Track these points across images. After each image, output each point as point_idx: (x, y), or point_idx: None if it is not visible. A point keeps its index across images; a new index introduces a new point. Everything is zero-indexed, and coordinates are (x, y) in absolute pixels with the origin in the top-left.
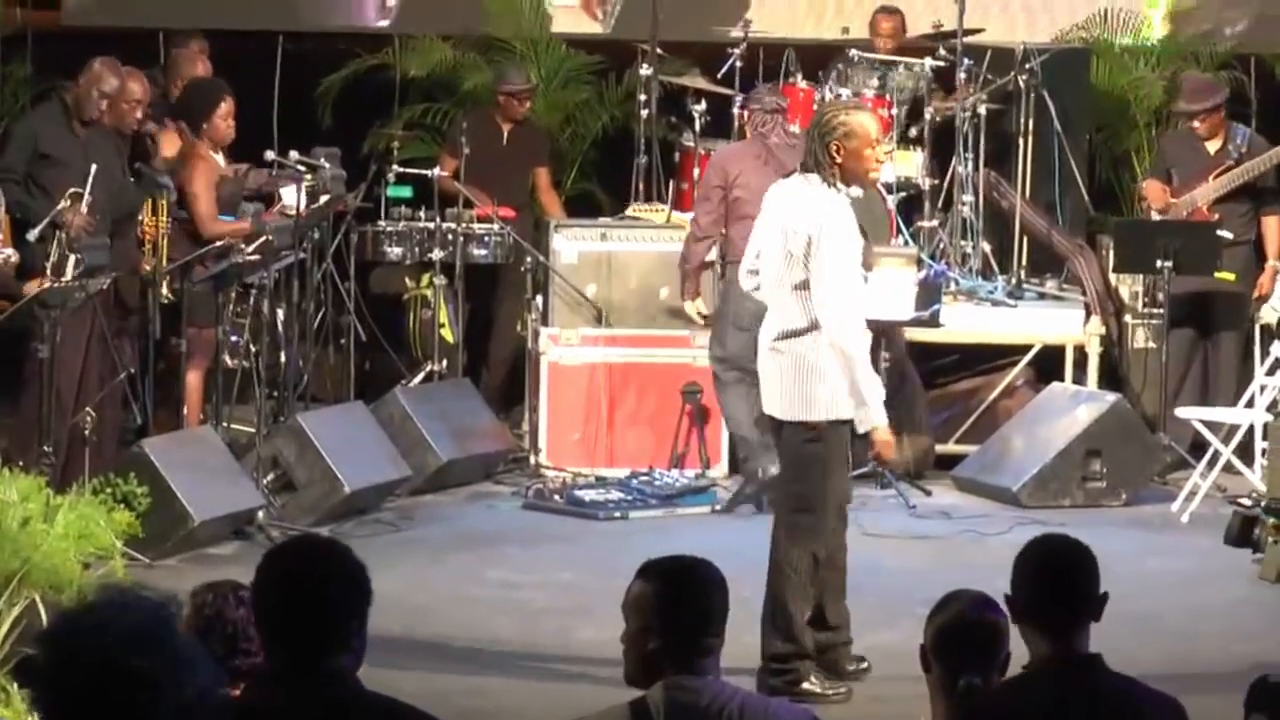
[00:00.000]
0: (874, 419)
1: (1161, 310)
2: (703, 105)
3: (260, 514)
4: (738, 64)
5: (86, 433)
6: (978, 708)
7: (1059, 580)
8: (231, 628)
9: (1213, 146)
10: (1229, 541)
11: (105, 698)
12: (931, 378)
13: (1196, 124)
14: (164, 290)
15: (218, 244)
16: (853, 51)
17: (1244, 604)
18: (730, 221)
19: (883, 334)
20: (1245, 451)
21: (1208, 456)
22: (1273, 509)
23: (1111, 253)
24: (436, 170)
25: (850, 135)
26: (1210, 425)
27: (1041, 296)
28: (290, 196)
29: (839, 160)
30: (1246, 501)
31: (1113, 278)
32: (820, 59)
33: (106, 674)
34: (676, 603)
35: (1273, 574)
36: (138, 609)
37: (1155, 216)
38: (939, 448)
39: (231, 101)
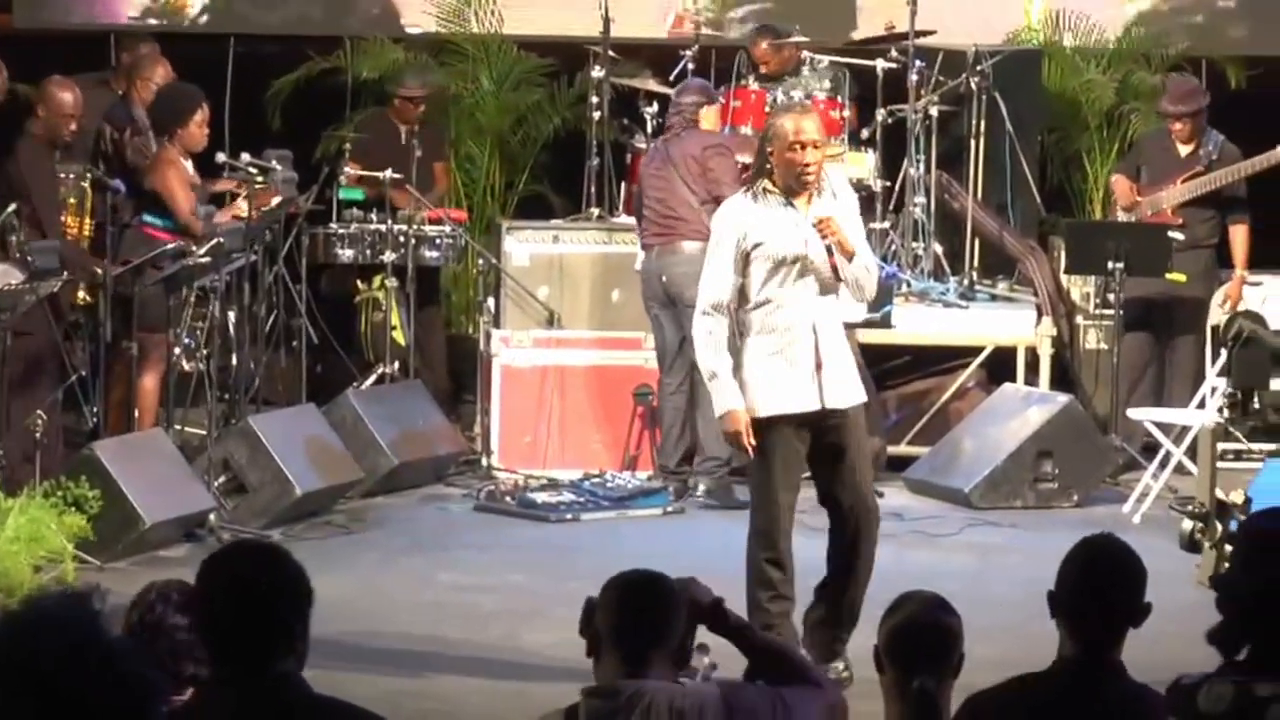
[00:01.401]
0: (724, 404)
1: (1113, 311)
2: (654, 107)
3: (212, 516)
4: (690, 66)
5: (38, 435)
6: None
7: (1102, 583)
8: (176, 634)
9: (1185, 150)
10: (1183, 547)
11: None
12: (883, 379)
13: (1177, 126)
14: (81, 293)
15: (168, 246)
16: (805, 53)
17: (1196, 606)
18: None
19: None
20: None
21: (1159, 458)
22: (1200, 515)
23: (1063, 254)
24: (388, 172)
25: (772, 138)
26: (1162, 426)
27: (993, 298)
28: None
29: (771, 165)
30: (1190, 509)
31: (1064, 279)
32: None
33: (40, 701)
34: (628, 619)
35: (1207, 579)
36: (60, 622)
37: (1120, 214)
38: (890, 449)
39: (206, 110)
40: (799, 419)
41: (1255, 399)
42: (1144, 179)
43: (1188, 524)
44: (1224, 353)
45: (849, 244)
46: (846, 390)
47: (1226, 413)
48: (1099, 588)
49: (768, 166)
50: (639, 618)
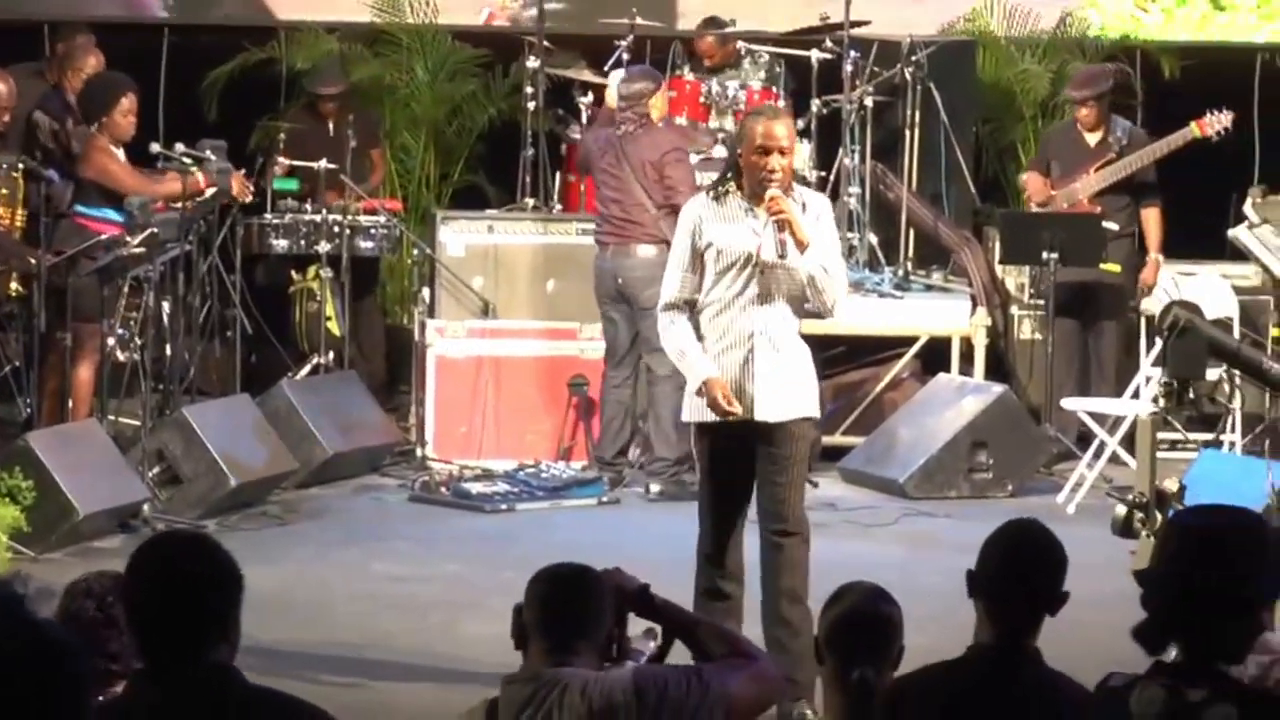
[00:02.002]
0: (697, 376)
1: (1046, 302)
2: (589, 98)
3: (146, 507)
4: (625, 56)
5: None
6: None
7: (1025, 568)
8: (106, 627)
9: (1093, 139)
10: (1116, 532)
11: None
12: (818, 370)
13: (1083, 112)
14: (14, 284)
15: (103, 237)
16: (740, 45)
17: (1127, 597)
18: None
19: None
20: (1133, 443)
21: (1093, 448)
22: (1140, 504)
23: (997, 244)
24: (323, 162)
25: (741, 139)
26: (1095, 416)
27: (928, 288)
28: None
29: (740, 166)
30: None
31: (999, 269)
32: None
33: None
34: (554, 611)
35: (1143, 566)
36: None
37: (1035, 210)
38: (826, 439)
39: (134, 98)
40: (726, 428)
41: (1190, 389)
42: (1055, 173)
43: (1122, 508)
44: (1158, 342)
45: (801, 230)
46: (780, 404)
47: (1162, 402)
48: (1022, 573)
49: (736, 166)
50: (564, 609)
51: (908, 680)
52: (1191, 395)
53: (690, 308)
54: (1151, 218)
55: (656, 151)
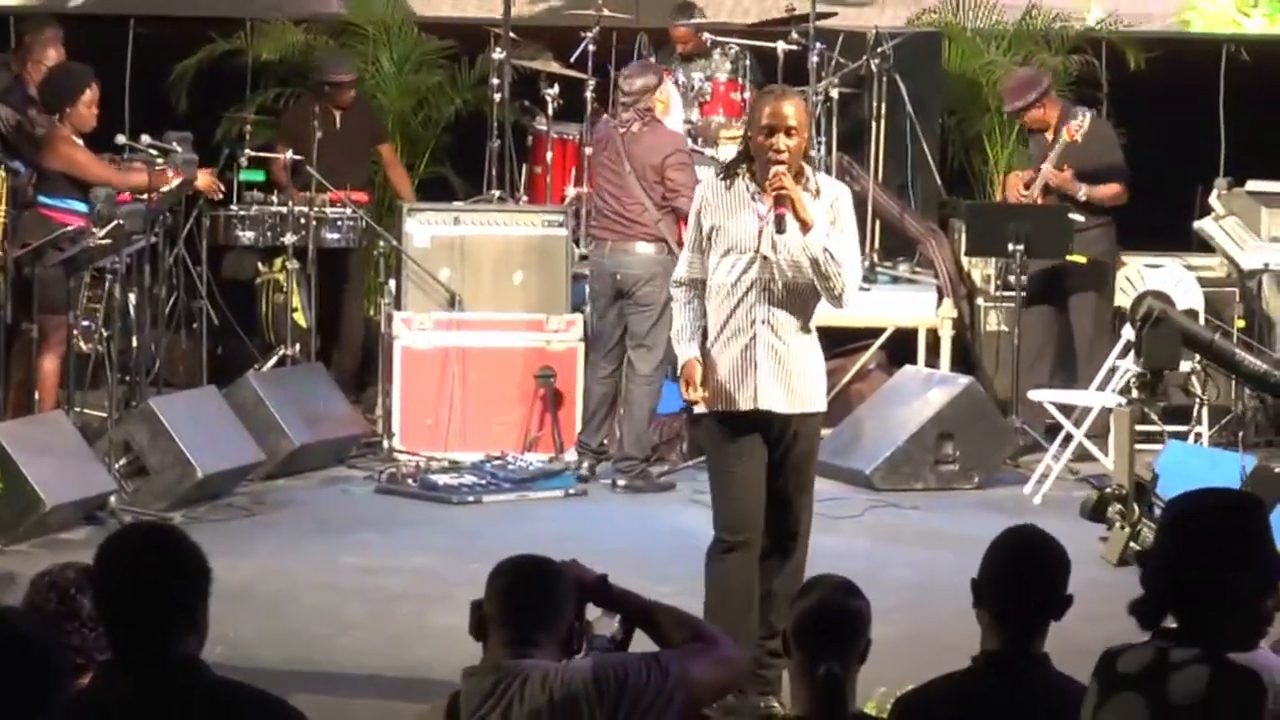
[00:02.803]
0: (680, 359)
1: (1014, 293)
2: (555, 89)
3: (112, 499)
4: (591, 48)
5: None
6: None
7: (1028, 575)
8: (72, 621)
9: (1049, 138)
10: (1084, 515)
11: None
12: None
13: (1027, 120)
14: None
15: (69, 229)
16: (706, 36)
17: (1094, 585)
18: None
19: None
20: (1101, 433)
21: (1059, 439)
22: (1118, 496)
23: (963, 236)
24: (289, 154)
25: (750, 122)
26: (1062, 408)
27: (894, 280)
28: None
29: (751, 150)
30: (1108, 488)
31: (965, 261)
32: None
33: None
34: (515, 603)
35: (1115, 557)
36: None
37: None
38: None
39: (96, 89)
40: (735, 418)
41: (1163, 380)
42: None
43: (1094, 494)
44: (1130, 332)
45: (804, 210)
46: (783, 395)
47: (1135, 393)
48: (1025, 580)
49: (747, 150)
50: (524, 601)
51: (917, 694)
52: (1164, 386)
53: (698, 288)
54: (1109, 188)
55: (659, 154)
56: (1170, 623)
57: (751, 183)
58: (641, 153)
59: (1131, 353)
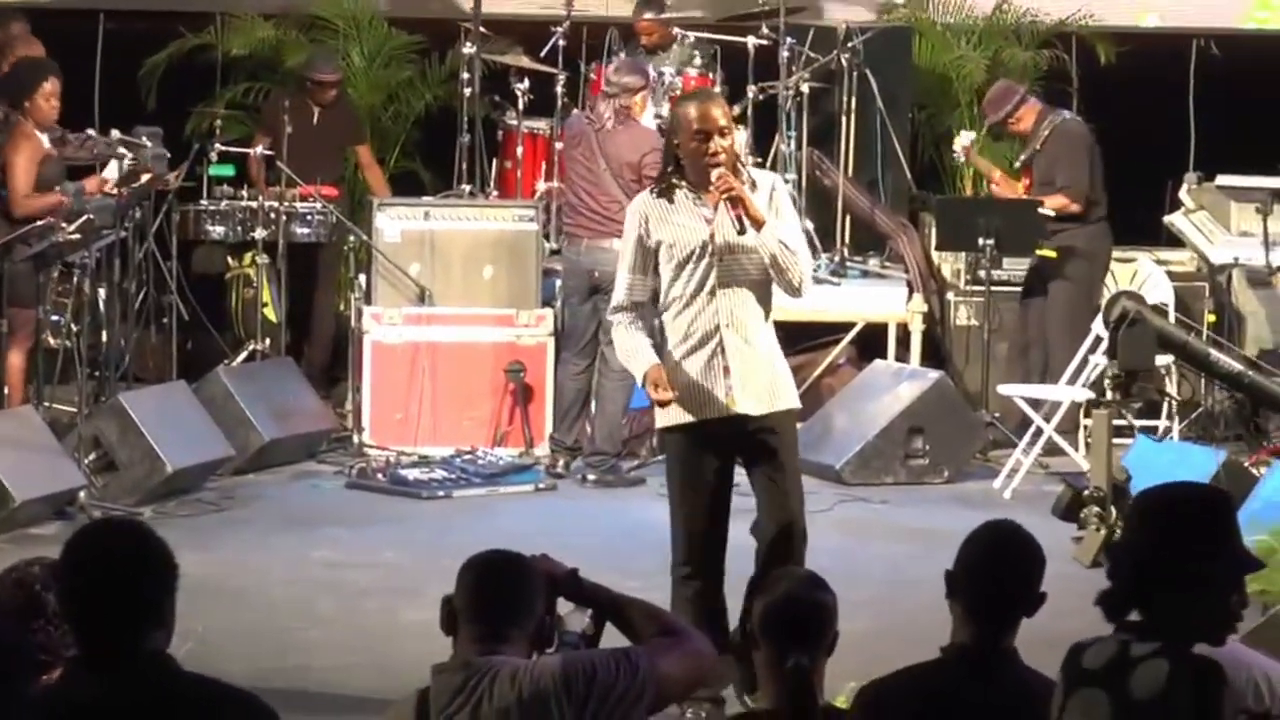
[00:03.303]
0: (640, 370)
1: (983, 288)
2: (526, 84)
3: (82, 494)
4: (560, 42)
5: None
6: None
7: (1004, 570)
8: (36, 616)
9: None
10: (1056, 513)
11: None
12: None
13: (1009, 130)
14: None
15: (39, 223)
16: (676, 30)
17: (1063, 580)
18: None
19: None
20: (1071, 428)
21: (1029, 433)
22: (1095, 497)
23: (934, 231)
24: (259, 149)
25: (676, 128)
26: (1032, 402)
27: (864, 274)
28: (112, 172)
29: (680, 157)
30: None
31: (935, 255)
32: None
33: None
34: (484, 598)
35: (1088, 559)
36: None
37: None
38: None
39: (56, 82)
40: (706, 427)
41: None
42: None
43: (1068, 491)
44: (1100, 327)
45: (754, 207)
46: (763, 395)
47: (1111, 394)
48: (1001, 575)
49: (675, 158)
50: (494, 596)
51: (885, 683)
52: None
53: (639, 310)
54: (1052, 200)
55: (636, 152)
56: (1135, 616)
57: (690, 190)
58: (617, 150)
59: (1103, 349)
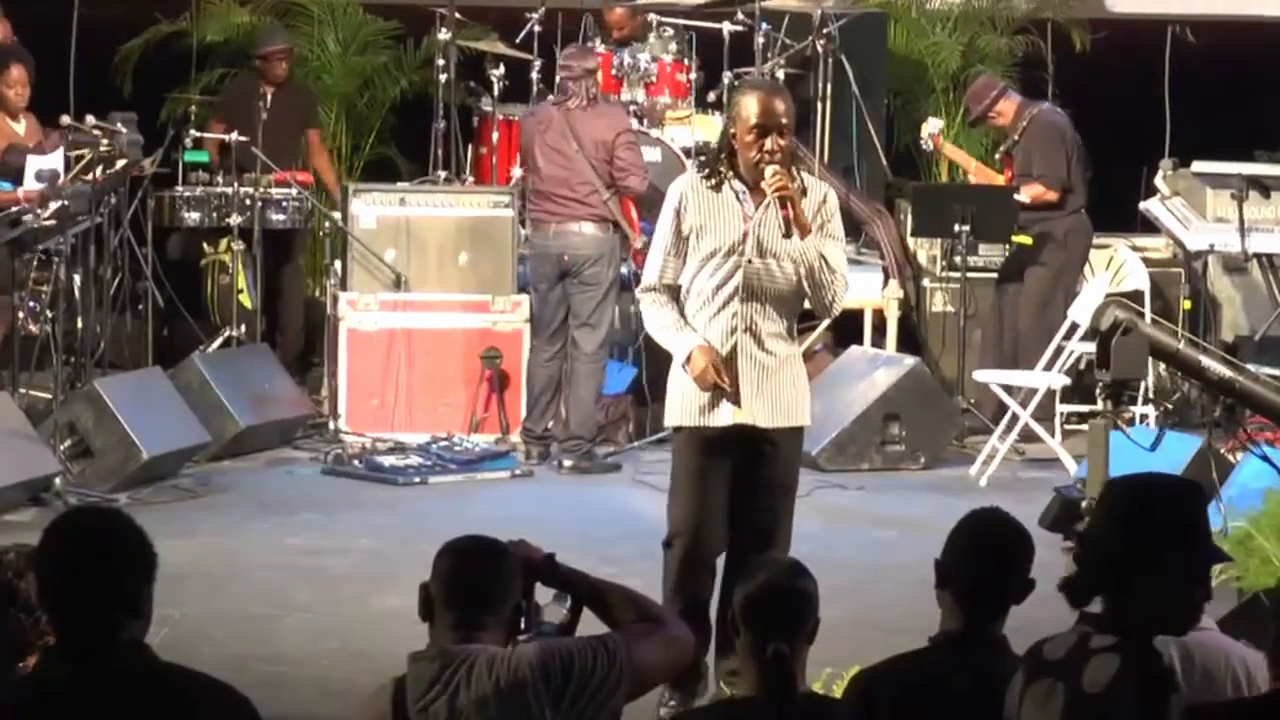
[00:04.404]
0: (684, 347)
1: (959, 274)
2: (501, 70)
3: (57, 481)
4: (536, 28)
5: None
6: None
7: (994, 558)
8: (9, 603)
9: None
10: (1044, 524)
11: None
12: None
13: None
14: None
15: (11, 210)
16: (651, 16)
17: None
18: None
19: None
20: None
21: (1005, 420)
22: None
23: (909, 217)
24: (234, 135)
25: (734, 118)
26: (1008, 388)
27: None
28: (32, 183)
29: (734, 146)
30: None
31: (910, 242)
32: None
33: None
34: (461, 585)
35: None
36: None
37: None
38: None
39: (22, 69)
40: (708, 432)
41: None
42: None
43: (1057, 500)
44: (1076, 313)
45: (804, 213)
46: (766, 408)
47: (1103, 404)
48: (990, 562)
49: (731, 147)
50: (471, 583)
51: (876, 670)
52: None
53: (671, 293)
54: (1028, 190)
55: (610, 132)
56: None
57: (738, 182)
58: (591, 131)
59: (1079, 337)
